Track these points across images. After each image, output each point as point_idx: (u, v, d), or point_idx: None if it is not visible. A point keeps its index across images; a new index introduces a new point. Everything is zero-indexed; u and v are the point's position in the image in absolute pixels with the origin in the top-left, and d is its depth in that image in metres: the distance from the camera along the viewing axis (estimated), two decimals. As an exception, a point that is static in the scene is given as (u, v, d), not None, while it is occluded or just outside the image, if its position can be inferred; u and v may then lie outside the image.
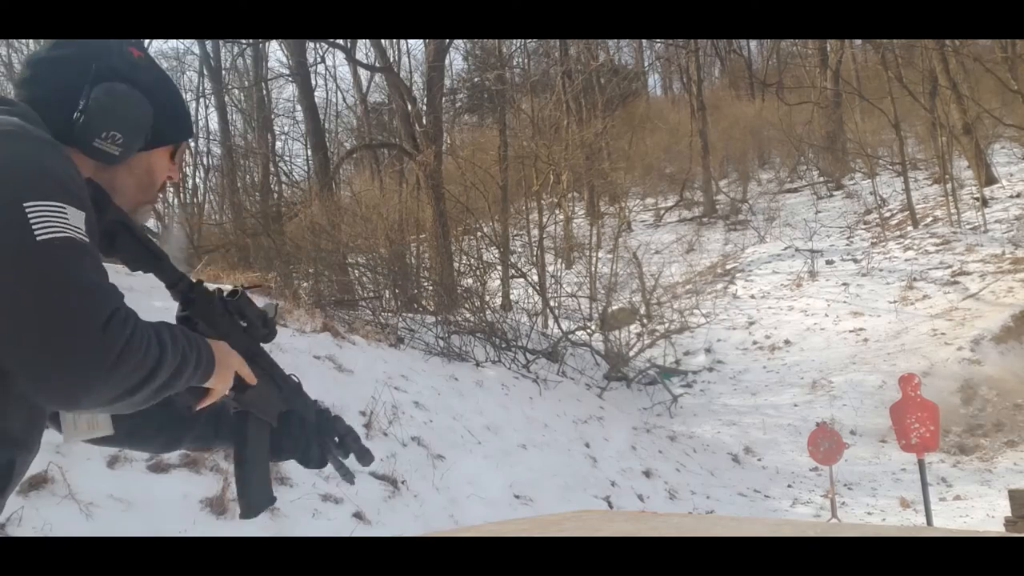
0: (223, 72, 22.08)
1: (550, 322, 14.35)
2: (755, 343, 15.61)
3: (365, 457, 1.76)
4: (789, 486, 9.88)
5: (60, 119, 1.21)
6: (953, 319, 13.91)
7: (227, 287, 1.49)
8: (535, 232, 17.51)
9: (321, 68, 27.43)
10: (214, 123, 23.96)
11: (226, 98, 22.03)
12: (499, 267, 15.49)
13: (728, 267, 19.95)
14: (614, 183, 22.38)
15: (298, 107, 22.66)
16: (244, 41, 17.99)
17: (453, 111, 30.10)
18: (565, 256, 18.60)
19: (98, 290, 1.06)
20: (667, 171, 27.13)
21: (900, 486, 9.49)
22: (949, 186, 18.97)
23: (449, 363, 9.83)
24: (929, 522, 6.89)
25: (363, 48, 21.76)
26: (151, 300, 2.59)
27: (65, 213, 1.06)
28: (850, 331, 14.92)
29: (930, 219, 19.39)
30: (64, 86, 1.25)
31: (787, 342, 15.26)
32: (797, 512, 8.86)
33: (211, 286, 1.44)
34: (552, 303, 14.72)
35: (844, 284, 16.93)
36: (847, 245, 19.46)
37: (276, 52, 22.93)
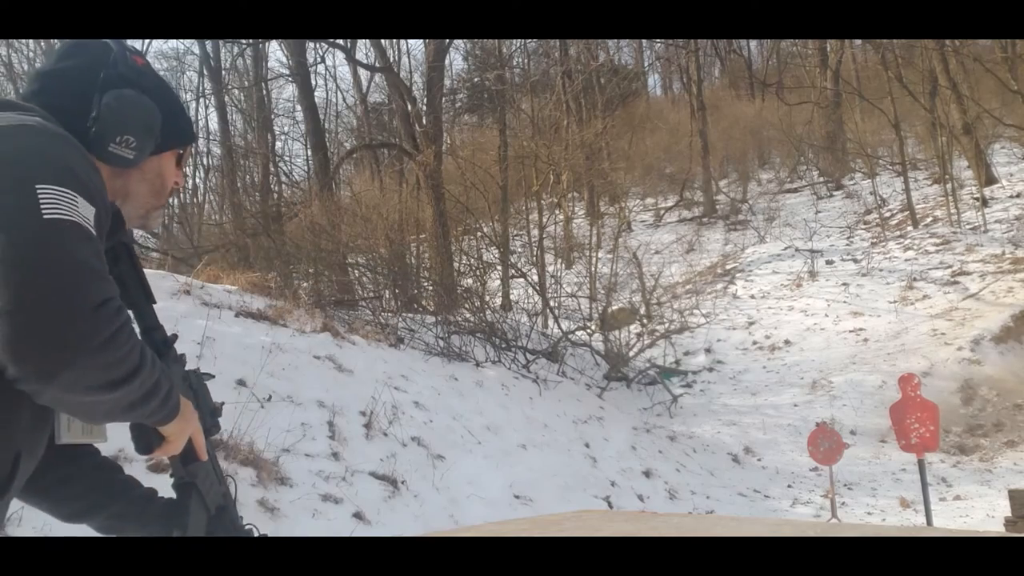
0: (223, 72, 22.07)
1: (550, 322, 14.35)
2: (755, 343, 15.61)
3: None
4: (789, 486, 9.88)
5: (74, 128, 1.23)
6: (953, 319, 13.91)
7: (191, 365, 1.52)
8: (535, 232, 17.52)
9: (321, 68, 27.50)
10: (214, 123, 24.00)
11: (226, 98, 22.03)
12: (499, 267, 15.49)
13: (728, 267, 19.94)
14: (614, 183, 22.39)
15: (298, 107, 22.69)
16: (244, 41, 17.98)
17: (453, 111, 30.10)
18: (565, 256, 18.59)
19: (97, 274, 1.07)
20: (667, 171, 27.13)
21: (900, 486, 9.49)
22: (949, 186, 18.96)
23: (449, 363, 9.83)
24: (929, 522, 6.89)
25: (363, 48, 21.79)
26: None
27: (75, 201, 1.08)
28: (850, 331, 14.92)
29: (930, 219, 19.39)
30: (74, 96, 1.27)
31: (787, 342, 15.25)
32: (797, 512, 8.86)
33: (178, 352, 1.46)
34: (552, 303, 14.72)
35: (844, 284, 16.92)
36: (847, 245, 19.45)
37: (276, 52, 22.96)
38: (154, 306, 1.44)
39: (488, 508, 6.22)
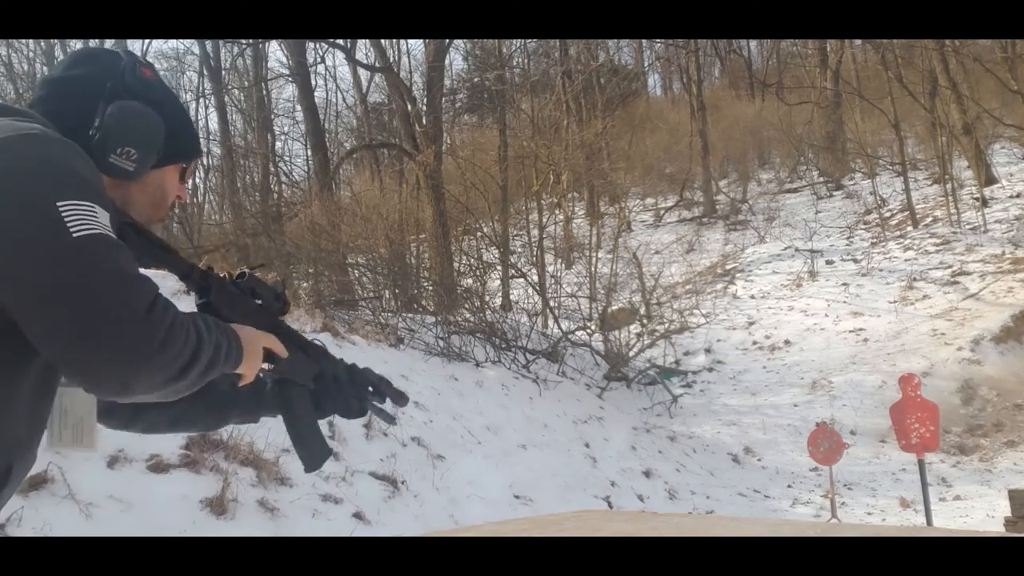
0: (223, 72, 22.08)
1: (550, 322, 14.35)
2: (755, 343, 15.62)
3: (400, 399, 1.88)
4: (789, 486, 9.88)
5: (76, 136, 1.22)
6: (953, 319, 13.91)
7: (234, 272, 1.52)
8: (535, 232, 17.51)
9: (321, 68, 27.48)
10: (214, 123, 23.98)
11: (226, 98, 22.04)
12: (499, 267, 15.48)
13: (728, 267, 19.95)
14: (614, 183, 22.39)
15: (298, 107, 22.69)
16: (244, 41, 17.98)
17: (453, 111, 30.10)
18: (565, 256, 18.59)
19: (137, 280, 1.08)
20: (667, 171, 27.13)
21: (900, 486, 9.49)
22: (949, 186, 18.97)
23: (449, 363, 9.83)
24: (929, 522, 6.89)
25: (363, 48, 21.78)
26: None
27: (95, 211, 1.08)
28: (850, 331, 14.92)
29: (930, 219, 19.39)
30: (79, 104, 1.26)
31: (787, 342, 15.26)
32: (797, 512, 8.86)
33: (220, 273, 1.47)
34: (552, 303, 14.72)
35: (844, 284, 16.93)
36: (847, 245, 19.46)
37: (276, 52, 22.96)
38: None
39: (488, 508, 6.22)
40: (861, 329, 14.86)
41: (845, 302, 16.07)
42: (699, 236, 22.85)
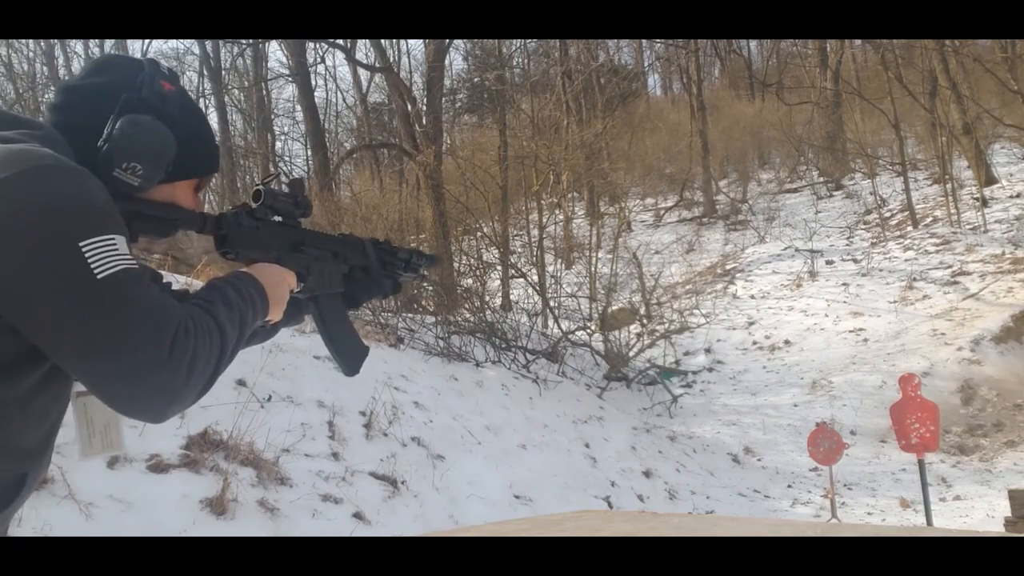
0: (223, 72, 22.09)
1: (550, 322, 14.35)
2: (755, 343, 15.62)
3: (433, 263, 1.98)
4: (789, 486, 9.88)
5: (85, 147, 1.22)
6: (953, 319, 13.91)
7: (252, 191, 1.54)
8: (535, 232, 17.50)
9: (321, 68, 27.48)
10: (214, 123, 23.97)
11: (226, 98, 22.07)
12: (499, 267, 15.48)
13: (728, 267, 19.95)
14: (614, 183, 22.37)
15: (298, 107, 22.73)
16: (244, 41, 17.98)
17: (453, 111, 30.11)
18: (565, 256, 18.59)
19: (157, 315, 1.10)
20: (667, 171, 27.14)
21: (900, 486, 9.49)
22: (949, 186, 18.97)
23: (449, 363, 9.83)
24: (929, 522, 6.88)
25: (363, 48, 21.79)
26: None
27: (115, 244, 1.09)
28: (850, 331, 14.92)
29: (930, 219, 19.39)
30: (92, 115, 1.25)
31: (787, 342, 15.26)
32: (797, 512, 8.86)
33: (233, 208, 1.49)
34: (552, 303, 14.72)
35: (844, 284, 16.93)
36: (847, 245, 19.46)
37: (276, 52, 22.99)
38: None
39: (488, 508, 6.22)
40: (861, 329, 14.86)
41: (845, 302, 16.07)
42: (699, 236, 22.86)
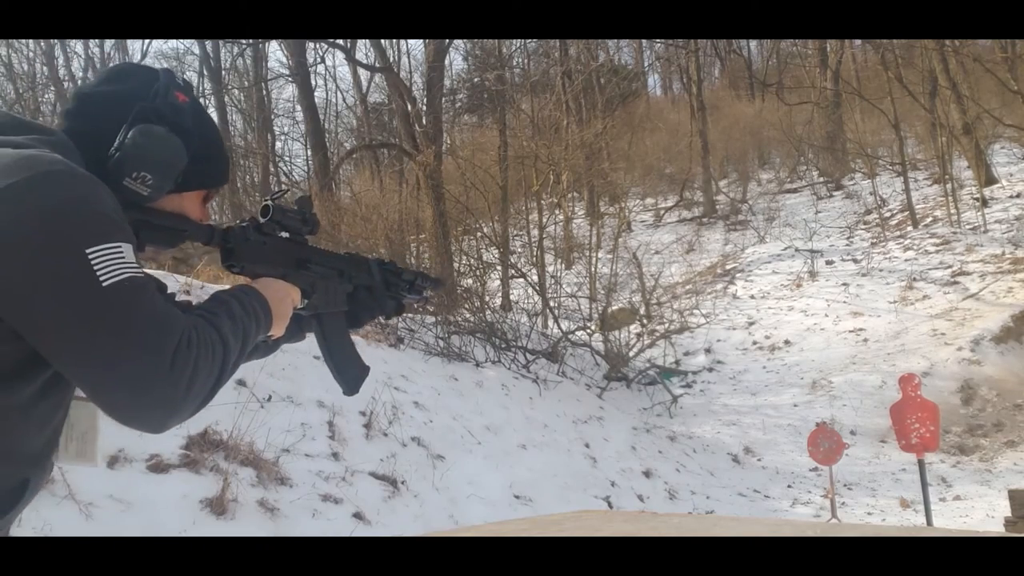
0: (223, 72, 22.09)
1: (550, 322, 14.35)
2: (755, 343, 15.62)
3: (437, 285, 1.99)
4: (789, 486, 9.88)
5: (96, 154, 1.22)
6: (953, 319, 13.91)
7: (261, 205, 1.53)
8: (535, 232, 17.51)
9: (321, 68, 27.48)
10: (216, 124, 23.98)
11: (226, 98, 22.08)
12: (499, 267, 15.48)
13: (728, 267, 19.95)
14: (614, 183, 22.38)
15: (298, 107, 22.74)
16: (244, 41, 17.98)
17: (453, 111, 30.11)
18: (565, 256, 18.59)
19: (161, 325, 1.09)
20: (667, 171, 27.14)
21: (900, 486, 9.49)
22: (949, 186, 18.97)
23: (449, 363, 9.83)
24: (929, 522, 6.88)
25: (363, 48, 21.79)
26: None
27: (122, 252, 1.09)
28: (850, 331, 14.92)
29: (930, 219, 19.39)
30: (105, 122, 1.25)
31: (787, 342, 15.26)
32: (797, 512, 8.86)
33: (241, 221, 1.48)
34: (552, 303, 14.72)
35: (844, 284, 16.93)
36: (847, 245, 19.46)
37: (276, 52, 23.00)
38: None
39: (488, 508, 6.22)
40: (861, 329, 14.86)
41: (845, 302, 16.07)
42: (699, 236, 22.86)
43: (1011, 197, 18.52)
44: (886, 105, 20.30)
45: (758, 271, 19.06)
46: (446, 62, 22.24)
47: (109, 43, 21.32)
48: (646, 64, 36.12)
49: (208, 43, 19.82)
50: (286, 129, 26.75)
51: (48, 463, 1.23)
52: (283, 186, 21.41)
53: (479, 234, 15.58)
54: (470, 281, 14.14)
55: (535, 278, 15.09)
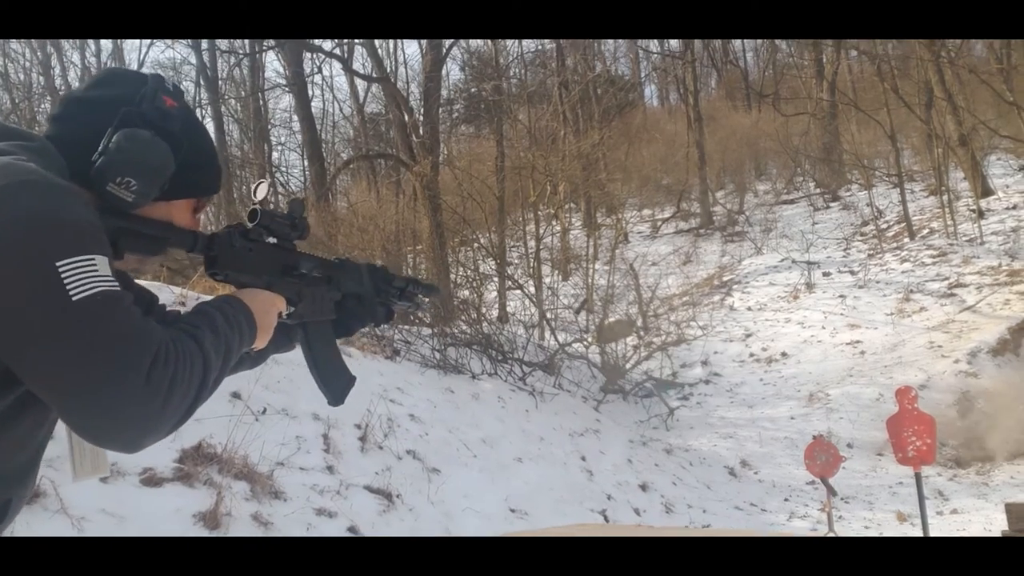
0: (220, 82, 22.11)
1: (547, 334, 14.33)
2: (752, 355, 15.60)
3: (431, 292, 1.99)
4: (786, 499, 9.85)
5: (81, 160, 1.20)
6: (950, 331, 13.91)
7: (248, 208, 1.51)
8: (532, 243, 17.51)
9: (318, 78, 27.51)
10: (211, 133, 24.00)
11: (222, 108, 22.07)
12: (496, 279, 15.47)
13: (725, 279, 19.96)
14: (611, 194, 22.42)
15: (295, 117, 22.76)
16: (241, 51, 18.01)
17: (450, 122, 30.13)
18: (562, 268, 18.59)
19: (137, 339, 1.05)
20: (664, 182, 27.18)
21: (897, 499, 9.47)
22: (945, 198, 19.00)
23: (445, 376, 9.80)
24: (926, 536, 6.86)
25: (360, 58, 21.85)
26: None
27: (95, 264, 1.05)
28: (847, 343, 14.92)
29: (926, 231, 19.42)
30: (91, 128, 1.23)
31: (784, 354, 15.25)
32: (794, 526, 8.83)
33: (227, 227, 1.45)
34: (549, 315, 14.71)
35: (841, 296, 16.94)
36: (844, 257, 19.48)
37: (273, 62, 23.08)
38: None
39: (483, 522, 6.19)
40: (858, 341, 14.86)
41: (842, 314, 16.08)
42: (696, 247, 22.87)
43: (1007, 209, 18.55)
44: (882, 116, 20.36)
45: (755, 283, 19.07)
46: (443, 72, 22.29)
47: (106, 52, 21.35)
48: (643, 75, 36.28)
49: (205, 53, 19.85)
50: (283, 139, 26.86)
51: (30, 479, 1.21)
52: (279, 196, 21.43)
53: (476, 245, 15.58)
54: (467, 292, 14.12)
55: (532, 290, 15.09)
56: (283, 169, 25.04)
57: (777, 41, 29.56)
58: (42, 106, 20.13)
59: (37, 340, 1.00)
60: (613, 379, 13.26)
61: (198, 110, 22.20)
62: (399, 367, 9.36)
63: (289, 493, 5.09)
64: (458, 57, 25.56)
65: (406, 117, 16.44)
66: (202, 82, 22.12)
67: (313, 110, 19.80)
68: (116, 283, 1.08)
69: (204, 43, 20.18)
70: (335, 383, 1.70)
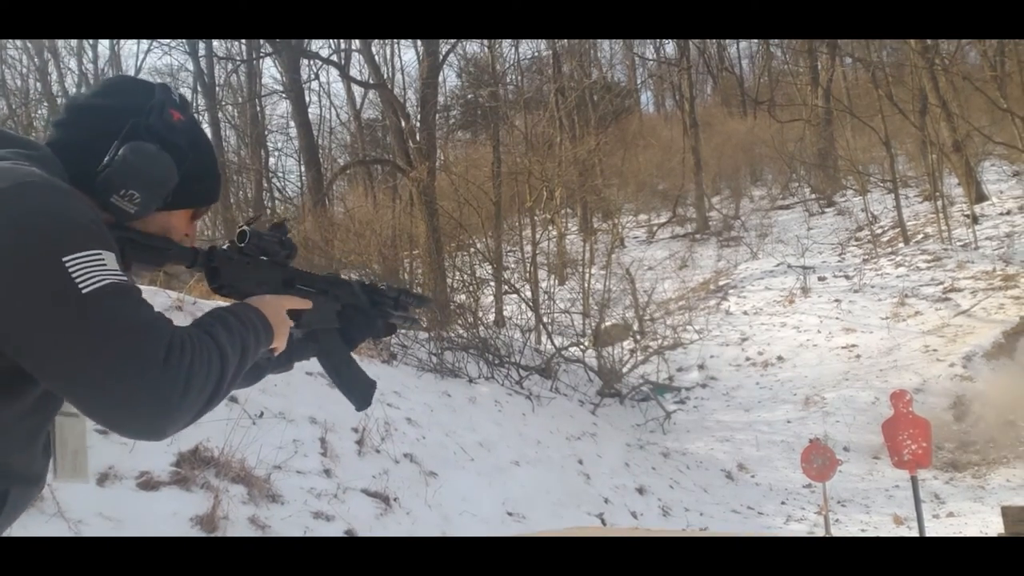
0: (217, 88, 22.13)
1: (543, 338, 14.34)
2: (748, 359, 15.62)
3: (423, 303, 2.01)
4: (783, 503, 9.86)
5: (85, 168, 1.20)
6: (945, 335, 13.94)
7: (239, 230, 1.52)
8: (528, 248, 17.52)
9: (315, 85, 27.54)
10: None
11: (220, 114, 22.08)
12: (492, 283, 15.48)
13: (721, 283, 19.98)
14: (607, 199, 22.46)
15: (291, 123, 22.78)
16: (238, 57, 18.02)
17: (447, 127, 30.17)
18: (558, 272, 18.61)
19: (150, 328, 1.06)
20: (660, 187, 27.24)
21: (893, 503, 9.48)
22: (940, 203, 19.06)
23: (442, 379, 9.80)
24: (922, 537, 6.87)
25: (357, 64, 21.87)
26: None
27: (103, 259, 1.06)
28: (842, 347, 14.94)
29: (921, 236, 19.48)
30: (96, 137, 1.24)
31: (780, 358, 15.26)
32: (791, 529, 8.83)
33: (222, 244, 1.47)
34: (545, 319, 14.72)
35: (836, 300, 16.96)
36: (839, 262, 19.52)
37: (270, 69, 23.10)
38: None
39: (481, 525, 6.19)
40: (854, 345, 14.88)
41: (837, 318, 16.10)
42: (692, 252, 22.91)
43: (1001, 214, 18.62)
44: (877, 122, 20.43)
45: (751, 287, 19.10)
46: (440, 78, 22.33)
47: (103, 58, 21.37)
48: (639, 81, 36.35)
49: (202, 59, 19.89)
50: (280, 145, 26.81)
51: (33, 477, 1.20)
52: (276, 202, 21.45)
53: (472, 250, 15.59)
54: (463, 297, 14.14)
55: (528, 294, 15.09)
56: (280, 175, 25.06)
57: (772, 48, 29.67)
58: (39, 112, 20.13)
59: (50, 335, 1.01)
60: (610, 383, 13.26)
61: (195, 116, 22.26)
62: (396, 371, 9.37)
63: (286, 496, 5.09)
64: (455, 63, 25.63)
65: (403, 123, 16.48)
66: (199, 88, 22.15)
67: (310, 116, 19.85)
68: (125, 277, 1.08)
69: (201, 49, 20.22)
70: (357, 388, 1.73)
